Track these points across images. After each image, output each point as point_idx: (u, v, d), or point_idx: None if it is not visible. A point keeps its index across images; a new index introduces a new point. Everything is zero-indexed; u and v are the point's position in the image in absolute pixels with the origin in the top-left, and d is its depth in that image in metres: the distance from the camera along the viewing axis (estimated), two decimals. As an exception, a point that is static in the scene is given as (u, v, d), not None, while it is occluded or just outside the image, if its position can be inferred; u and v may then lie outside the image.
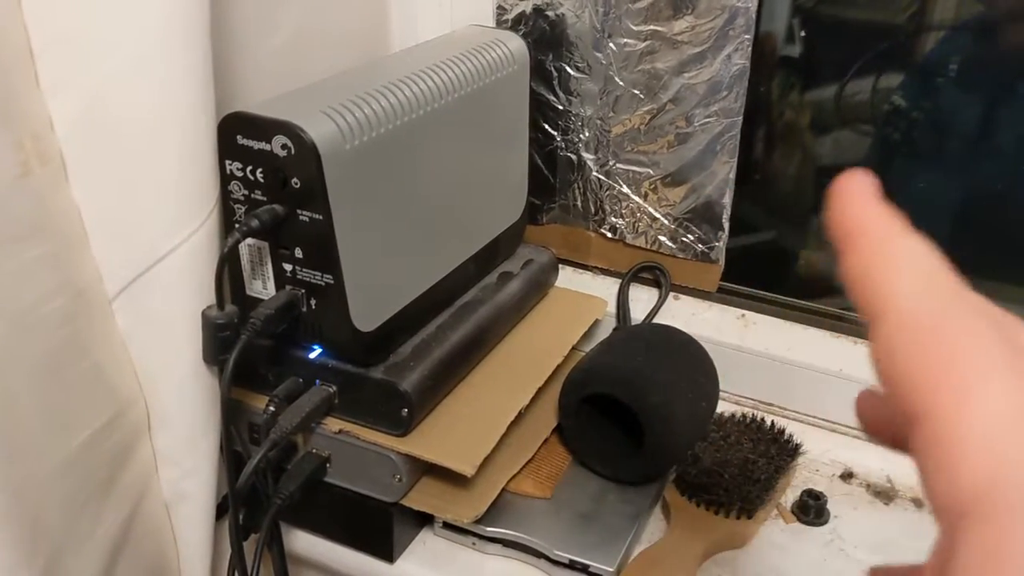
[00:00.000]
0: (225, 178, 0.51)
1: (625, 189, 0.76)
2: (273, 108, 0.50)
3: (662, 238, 0.76)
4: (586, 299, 0.76)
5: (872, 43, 0.72)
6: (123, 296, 0.50)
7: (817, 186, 0.80)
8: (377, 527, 0.59)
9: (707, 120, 0.71)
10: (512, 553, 0.60)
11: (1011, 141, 0.70)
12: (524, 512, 0.60)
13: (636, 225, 0.77)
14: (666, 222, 0.76)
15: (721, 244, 0.75)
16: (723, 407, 0.69)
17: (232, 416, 0.55)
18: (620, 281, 0.78)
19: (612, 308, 0.76)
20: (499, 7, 0.74)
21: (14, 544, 0.44)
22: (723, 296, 0.77)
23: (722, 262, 0.75)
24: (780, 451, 0.65)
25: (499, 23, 0.75)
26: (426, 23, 0.75)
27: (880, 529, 0.63)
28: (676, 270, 0.77)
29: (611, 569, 0.56)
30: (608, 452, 0.63)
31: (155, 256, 0.49)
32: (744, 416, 0.68)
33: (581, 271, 0.81)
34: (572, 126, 0.76)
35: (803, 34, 0.73)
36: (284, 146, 0.49)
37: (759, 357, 0.73)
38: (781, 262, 0.82)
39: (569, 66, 0.74)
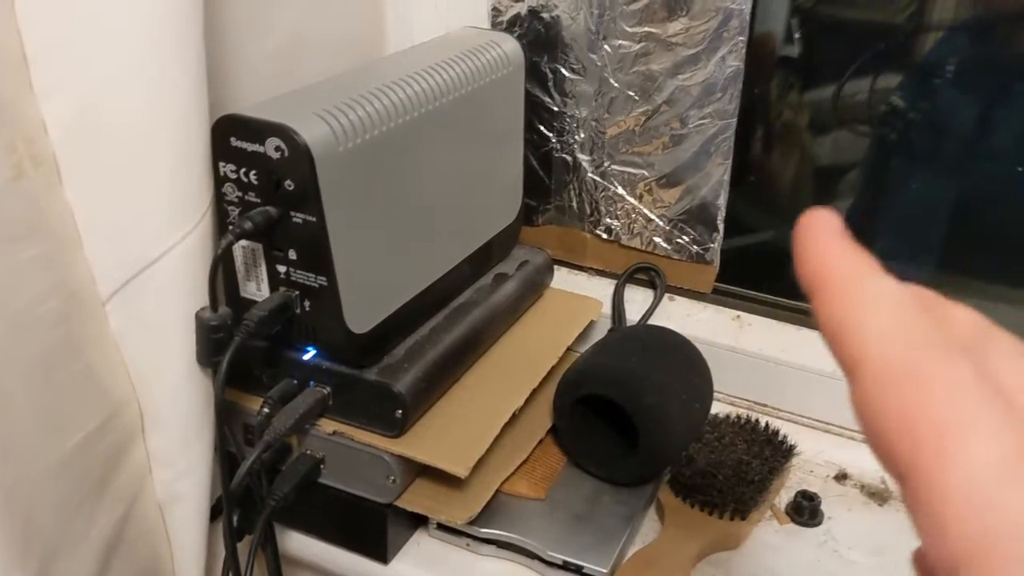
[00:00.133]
0: (219, 180, 0.52)
1: (620, 190, 0.76)
2: (267, 110, 0.50)
3: (657, 239, 0.77)
4: (581, 300, 0.76)
5: (870, 43, 0.72)
6: (117, 298, 0.50)
7: (814, 187, 0.80)
8: (371, 528, 0.59)
9: (701, 122, 0.71)
10: (506, 554, 0.60)
11: (1008, 142, 0.70)
12: (518, 513, 0.60)
13: (631, 226, 0.77)
14: (661, 223, 0.76)
15: (716, 245, 0.75)
16: (718, 408, 0.70)
17: (226, 417, 0.55)
18: (615, 282, 0.78)
19: (607, 309, 0.77)
20: (494, 9, 0.75)
21: (7, 545, 0.45)
22: (718, 297, 0.77)
23: (717, 263, 0.76)
24: (774, 452, 0.65)
25: (494, 25, 0.75)
26: (422, 25, 0.75)
27: (874, 530, 0.63)
28: (671, 271, 0.77)
29: (605, 570, 0.56)
30: (602, 453, 0.63)
31: (149, 258, 0.49)
32: (738, 417, 0.68)
33: (576, 272, 0.81)
34: (567, 127, 0.76)
35: (798, 35, 0.73)
36: (278, 148, 0.49)
37: (754, 358, 0.73)
38: (776, 263, 0.82)
39: (564, 68, 0.74)
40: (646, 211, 0.76)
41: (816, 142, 0.78)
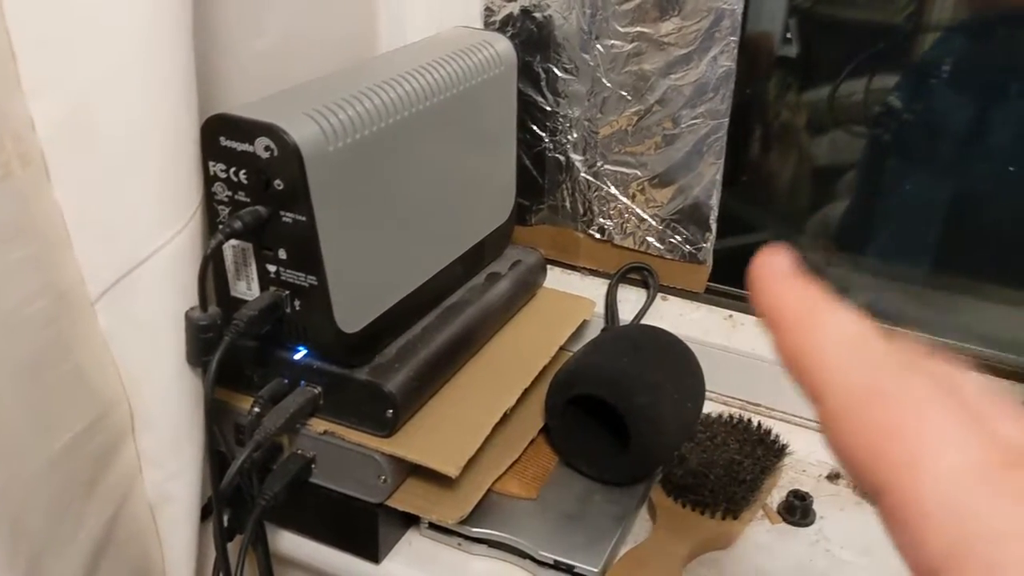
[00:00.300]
0: (208, 179, 0.51)
1: (613, 190, 0.76)
2: (256, 110, 0.50)
3: (650, 239, 0.77)
4: (574, 300, 0.76)
5: (867, 43, 0.72)
6: (106, 297, 0.50)
7: (808, 187, 0.80)
8: (362, 528, 0.59)
9: (694, 121, 0.71)
10: (497, 554, 0.60)
11: (1005, 142, 0.70)
12: (510, 513, 0.60)
13: (624, 226, 0.77)
14: (654, 223, 0.76)
15: (708, 245, 0.75)
16: (710, 407, 0.70)
17: (217, 417, 0.55)
18: (608, 282, 0.78)
19: (600, 309, 0.77)
20: (487, 9, 0.75)
21: (-5, 545, 0.45)
22: (711, 297, 0.77)
23: (710, 263, 0.76)
24: (766, 452, 0.65)
25: (487, 24, 0.75)
26: (414, 25, 0.75)
27: (866, 530, 0.63)
28: (664, 271, 0.77)
29: (596, 570, 0.56)
30: (594, 453, 0.63)
31: (138, 257, 0.49)
32: (731, 417, 0.68)
33: (569, 272, 0.81)
34: (560, 127, 0.76)
35: (788, 36, 0.73)
36: (267, 148, 0.49)
37: (746, 358, 0.73)
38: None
39: (557, 67, 0.74)
40: (639, 211, 0.76)
41: (811, 142, 0.78)
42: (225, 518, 0.56)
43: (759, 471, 0.63)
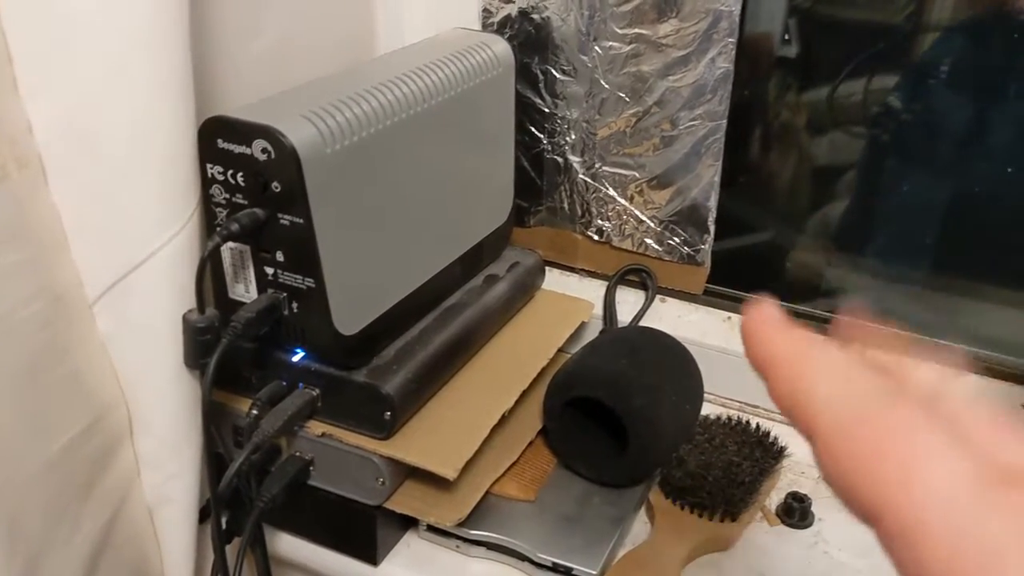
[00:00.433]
0: (206, 182, 0.51)
1: (611, 192, 0.76)
2: (254, 112, 0.50)
3: (648, 241, 0.77)
4: (573, 301, 0.76)
5: (866, 44, 0.72)
6: (104, 300, 0.50)
7: (807, 188, 0.80)
8: (361, 530, 0.59)
9: (692, 123, 0.71)
10: (496, 556, 0.60)
11: (1004, 143, 0.70)
12: (508, 515, 0.60)
13: (622, 228, 0.77)
14: (652, 225, 0.76)
15: (707, 247, 0.75)
16: (708, 409, 0.69)
17: (215, 419, 0.55)
18: (607, 284, 0.78)
19: (599, 310, 0.77)
20: (485, 10, 0.75)
21: (-8, 548, 0.45)
22: (709, 299, 0.77)
23: (708, 265, 0.76)
24: (765, 453, 0.65)
25: (485, 26, 0.75)
26: (412, 27, 0.75)
27: (864, 532, 0.62)
28: (662, 273, 0.77)
29: (594, 572, 0.56)
30: (593, 455, 0.63)
31: (136, 260, 0.49)
32: (729, 418, 0.68)
33: (568, 273, 0.81)
34: (558, 129, 0.76)
35: (787, 37, 0.73)
36: (264, 150, 0.49)
37: (745, 359, 0.73)
38: (767, 265, 0.82)
39: (555, 69, 0.74)
40: (637, 212, 0.76)
41: (810, 143, 0.78)
42: (223, 520, 0.56)
43: (758, 473, 0.63)
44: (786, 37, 0.73)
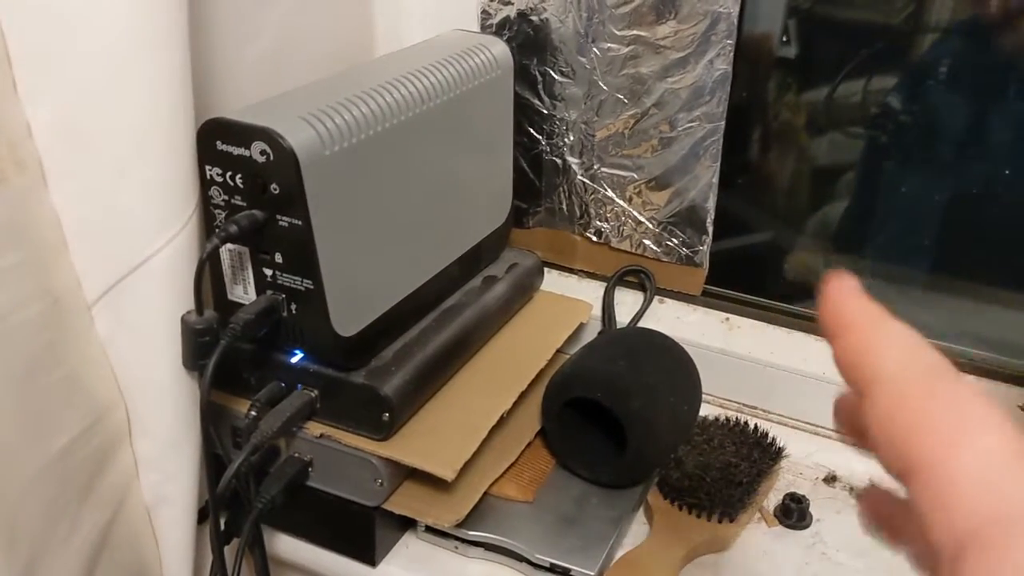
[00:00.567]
0: (205, 183, 0.52)
1: (610, 193, 0.76)
2: (252, 114, 0.50)
3: (647, 242, 0.77)
4: (571, 303, 0.76)
5: (865, 45, 0.72)
6: (102, 302, 0.50)
7: (805, 189, 0.80)
8: (359, 531, 0.59)
9: (690, 125, 0.71)
10: (494, 556, 0.60)
11: (1003, 144, 0.70)
12: (506, 515, 0.60)
13: (621, 229, 0.77)
14: (650, 226, 0.76)
15: (705, 248, 0.75)
16: (706, 410, 0.70)
17: (214, 420, 0.55)
18: (605, 285, 0.79)
19: (597, 311, 0.77)
20: (483, 12, 0.75)
21: (-8, 549, 0.45)
22: (707, 300, 0.77)
23: (706, 266, 0.76)
24: (763, 454, 0.65)
25: (483, 28, 0.75)
26: (411, 29, 0.75)
27: (863, 533, 0.62)
28: (661, 274, 0.77)
29: (592, 573, 0.57)
30: (591, 456, 0.64)
31: (135, 262, 0.49)
32: (727, 419, 0.69)
33: (567, 274, 0.81)
34: (557, 130, 0.76)
35: (784, 39, 0.74)
36: (263, 152, 0.49)
37: (743, 360, 0.73)
38: (765, 266, 0.82)
39: (553, 70, 0.74)
40: (635, 213, 0.76)
41: (809, 143, 0.78)
42: (222, 521, 0.56)
43: (755, 474, 0.63)
44: (785, 38, 0.74)
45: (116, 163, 0.47)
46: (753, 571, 0.60)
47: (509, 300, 0.71)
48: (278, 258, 0.53)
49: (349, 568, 0.60)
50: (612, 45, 0.71)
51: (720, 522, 0.61)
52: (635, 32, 0.70)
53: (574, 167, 0.77)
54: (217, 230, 0.51)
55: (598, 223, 0.78)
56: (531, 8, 0.73)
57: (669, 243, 0.76)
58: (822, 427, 0.72)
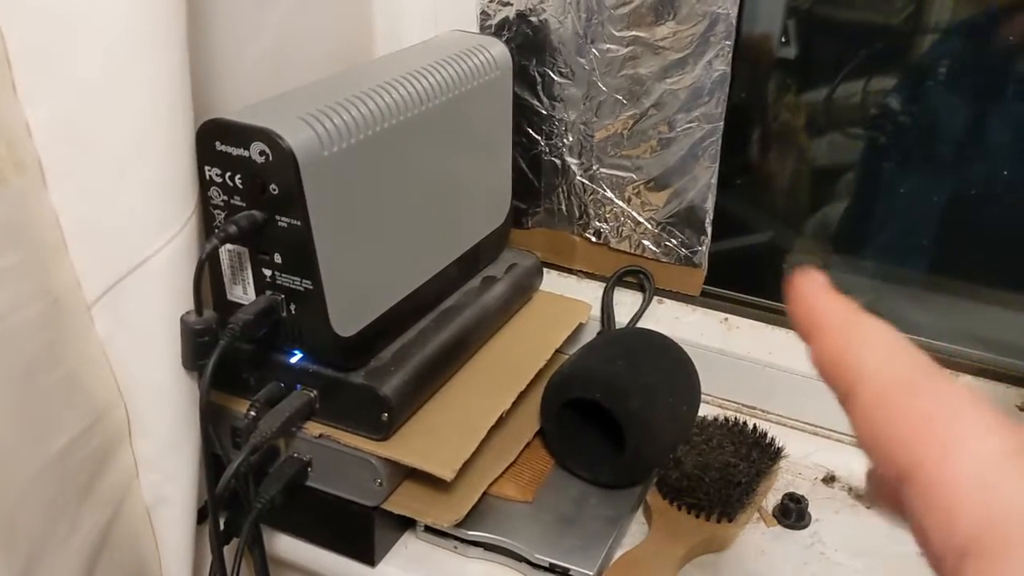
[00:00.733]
0: (204, 184, 0.52)
1: (609, 193, 0.76)
2: (251, 115, 0.50)
3: (646, 242, 0.77)
4: (570, 303, 0.76)
5: (865, 45, 0.72)
6: (102, 302, 0.50)
7: (804, 189, 0.80)
8: (358, 531, 0.59)
9: (689, 125, 0.71)
10: (493, 556, 0.60)
11: (1002, 145, 0.70)
12: (505, 516, 0.61)
13: (620, 229, 0.77)
14: (649, 226, 0.76)
15: (704, 248, 0.75)
16: (705, 410, 0.70)
17: (213, 420, 0.55)
18: (604, 285, 0.79)
19: (596, 312, 0.77)
20: (483, 13, 0.75)
21: (-9, 549, 0.45)
22: (706, 300, 0.77)
23: (705, 266, 0.76)
24: (762, 454, 0.65)
25: (483, 29, 0.75)
26: (410, 29, 0.75)
27: (861, 533, 0.63)
28: (660, 274, 0.78)
29: (591, 573, 0.57)
30: (590, 456, 0.64)
31: (134, 262, 0.49)
32: (726, 419, 0.69)
33: (566, 275, 0.82)
34: (556, 131, 0.76)
35: (783, 40, 0.74)
36: (262, 152, 0.49)
37: (742, 361, 0.73)
38: (764, 266, 0.82)
39: (552, 71, 0.74)
40: (634, 214, 0.76)
41: (809, 144, 0.79)
42: (221, 521, 0.56)
43: (754, 474, 0.63)
44: (784, 39, 0.74)
45: (115, 163, 0.47)
46: (752, 571, 0.60)
47: (508, 300, 0.71)
48: (277, 258, 0.53)
49: (348, 568, 0.60)
50: (611, 46, 0.71)
51: (719, 522, 0.61)
52: (634, 33, 0.70)
53: (573, 168, 0.77)
54: (216, 230, 0.51)
55: (597, 223, 0.78)
56: (530, 9, 0.73)
57: (668, 243, 0.76)
58: (821, 427, 0.72)
